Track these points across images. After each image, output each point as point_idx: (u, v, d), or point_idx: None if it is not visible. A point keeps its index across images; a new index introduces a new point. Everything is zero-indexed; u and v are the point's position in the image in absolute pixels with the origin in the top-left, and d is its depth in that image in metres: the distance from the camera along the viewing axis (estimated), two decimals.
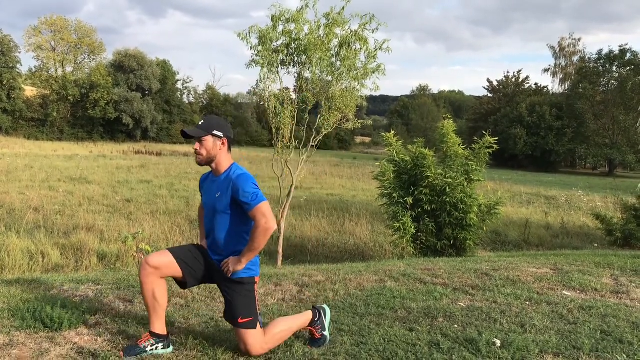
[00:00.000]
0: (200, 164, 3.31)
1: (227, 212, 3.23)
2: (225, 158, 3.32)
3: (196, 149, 3.26)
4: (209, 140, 3.25)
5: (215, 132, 3.25)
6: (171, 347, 3.27)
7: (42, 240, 9.07)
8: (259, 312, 3.32)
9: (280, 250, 8.67)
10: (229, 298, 3.25)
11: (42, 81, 56.90)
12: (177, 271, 3.24)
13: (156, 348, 3.19)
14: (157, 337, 3.21)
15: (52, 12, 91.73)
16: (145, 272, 3.16)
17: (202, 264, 3.33)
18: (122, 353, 3.14)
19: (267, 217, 3.11)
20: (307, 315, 3.49)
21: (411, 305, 4.29)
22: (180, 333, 3.49)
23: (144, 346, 3.17)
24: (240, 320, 3.18)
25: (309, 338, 3.49)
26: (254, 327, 3.19)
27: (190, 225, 11.43)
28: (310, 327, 3.46)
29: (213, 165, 3.32)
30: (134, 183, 18.94)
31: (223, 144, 3.28)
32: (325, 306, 3.62)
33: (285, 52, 8.47)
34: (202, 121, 3.32)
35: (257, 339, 3.19)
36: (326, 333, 3.47)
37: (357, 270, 5.63)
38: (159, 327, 3.23)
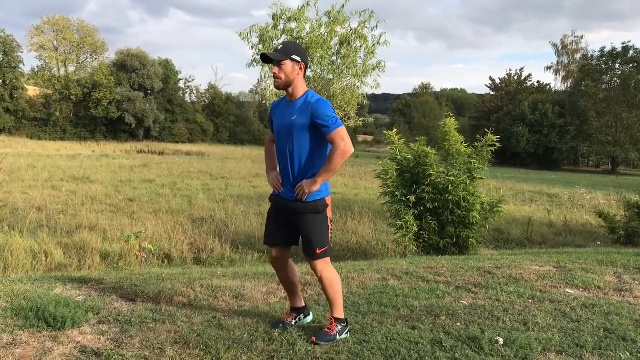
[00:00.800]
0: (278, 87, 3.37)
1: (305, 134, 3.30)
2: (302, 83, 3.40)
3: (275, 73, 3.31)
4: (287, 64, 3.31)
5: (294, 57, 3.32)
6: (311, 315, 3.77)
7: (45, 239, 9.08)
8: (330, 239, 3.48)
9: None
10: (305, 232, 3.38)
11: (45, 81, 56.94)
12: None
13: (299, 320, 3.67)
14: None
15: (54, 12, 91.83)
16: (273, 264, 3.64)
17: (284, 224, 3.50)
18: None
19: (345, 141, 3.23)
20: (341, 309, 3.59)
21: (414, 303, 4.29)
22: (182, 332, 3.50)
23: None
24: (318, 252, 3.38)
25: (317, 329, 3.56)
26: (329, 255, 3.44)
27: (193, 224, 11.44)
28: (333, 318, 3.52)
29: (290, 89, 3.38)
30: (136, 182, 18.95)
31: (301, 68, 3.37)
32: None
33: None
34: (281, 46, 3.38)
35: (326, 265, 3.43)
36: (339, 337, 3.48)
37: (360, 269, 5.63)
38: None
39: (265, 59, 3.37)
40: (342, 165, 3.30)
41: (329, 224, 3.46)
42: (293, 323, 3.65)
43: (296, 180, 3.37)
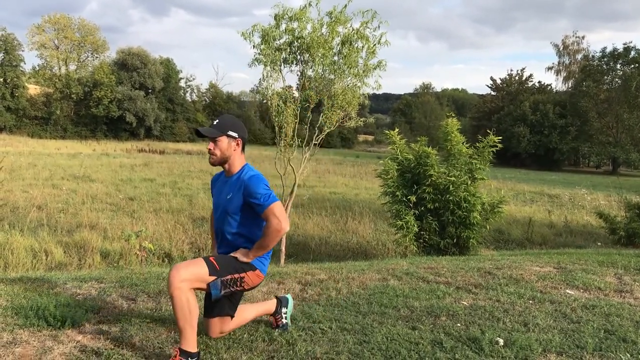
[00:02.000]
0: (213, 164, 3.30)
1: (238, 214, 3.22)
2: (239, 159, 3.31)
3: (210, 149, 3.24)
4: (223, 140, 3.23)
5: (230, 133, 3.24)
6: None
7: (46, 238, 9.09)
8: (226, 282, 3.15)
9: (283, 249, 8.68)
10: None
11: (46, 79, 56.98)
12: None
13: None
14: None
15: (55, 11, 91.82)
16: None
17: None
18: None
19: (279, 218, 3.09)
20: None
21: (414, 303, 4.29)
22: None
23: None
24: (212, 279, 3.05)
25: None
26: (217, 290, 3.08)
27: (194, 224, 11.44)
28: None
29: (226, 165, 3.31)
30: (137, 181, 18.97)
31: (237, 144, 3.28)
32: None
33: (288, 50, 8.47)
34: (217, 121, 3.29)
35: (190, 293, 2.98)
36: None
37: (360, 269, 5.63)
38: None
39: (200, 135, 3.26)
40: (276, 242, 3.17)
41: (241, 293, 3.32)
42: (284, 321, 3.61)
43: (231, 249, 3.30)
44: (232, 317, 3.36)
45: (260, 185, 3.15)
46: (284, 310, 3.65)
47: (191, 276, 2.96)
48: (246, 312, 3.54)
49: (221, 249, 3.36)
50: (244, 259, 3.19)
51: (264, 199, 3.10)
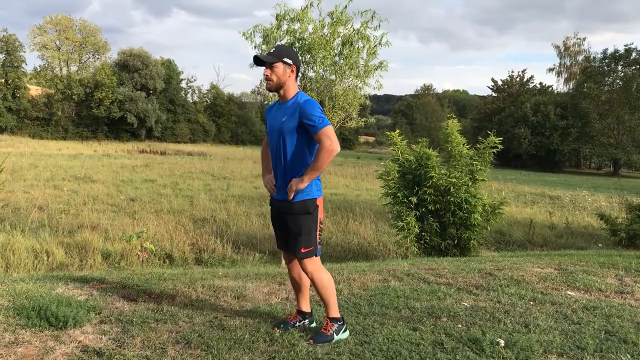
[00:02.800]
0: (270, 89, 3.45)
1: (294, 135, 3.34)
2: (293, 85, 3.45)
3: (267, 75, 3.37)
4: (279, 66, 3.36)
5: (285, 60, 3.37)
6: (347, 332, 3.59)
7: (47, 239, 9.10)
8: (319, 241, 3.48)
9: None
10: (292, 230, 3.40)
11: (47, 80, 57.07)
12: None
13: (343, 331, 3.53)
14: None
15: (57, 12, 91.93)
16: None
17: (283, 227, 3.52)
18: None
19: (331, 140, 3.24)
20: (336, 308, 3.61)
21: (415, 304, 4.29)
22: (184, 332, 3.50)
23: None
24: (302, 250, 3.37)
25: (316, 330, 3.56)
26: (315, 255, 3.41)
27: (195, 225, 11.45)
28: (329, 318, 3.54)
29: (281, 91, 3.44)
30: (138, 182, 18.98)
31: (292, 71, 3.42)
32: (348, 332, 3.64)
33: None
34: (274, 49, 3.43)
35: (315, 266, 3.44)
36: (336, 337, 3.49)
37: (361, 270, 5.63)
38: (305, 305, 3.70)
39: (258, 61, 3.39)
40: (329, 163, 3.32)
41: (319, 225, 3.48)
42: (296, 325, 3.65)
43: (287, 180, 3.41)
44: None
45: (316, 108, 3.29)
46: (307, 322, 3.72)
47: (315, 265, 3.45)
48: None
49: (276, 169, 3.49)
50: (301, 185, 3.32)
51: (319, 120, 3.25)
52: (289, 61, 3.37)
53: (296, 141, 3.35)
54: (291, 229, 3.42)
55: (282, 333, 3.52)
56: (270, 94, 8.67)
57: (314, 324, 3.73)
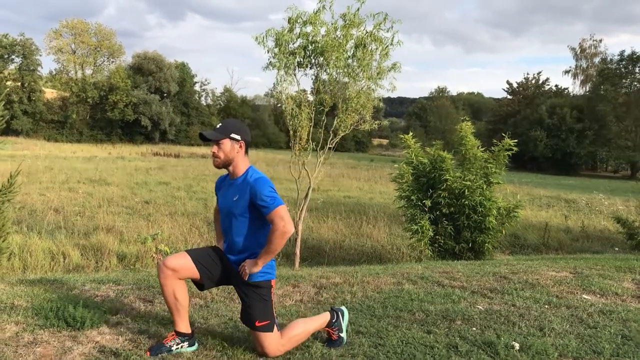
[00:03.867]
0: (217, 166, 3.35)
1: (244, 216, 3.25)
2: (242, 161, 3.34)
3: (214, 152, 3.29)
4: (226, 143, 3.28)
5: (233, 135, 3.28)
6: (196, 345, 3.33)
7: (63, 240, 9.20)
8: (275, 315, 3.35)
9: (298, 252, 8.69)
10: (246, 301, 3.28)
11: (62, 83, 57.76)
12: (195, 273, 3.28)
13: (182, 347, 3.25)
14: (182, 336, 3.27)
15: (72, 16, 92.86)
16: (163, 275, 3.21)
17: (220, 266, 3.36)
18: (148, 352, 3.19)
19: (284, 221, 3.13)
20: (324, 317, 3.52)
21: (429, 307, 4.29)
22: (199, 333, 3.53)
23: (170, 345, 3.23)
24: (257, 324, 3.22)
25: (326, 339, 3.51)
26: (271, 330, 3.23)
27: (209, 227, 11.50)
28: (327, 329, 3.49)
29: (230, 168, 3.35)
30: (152, 185, 19.11)
31: (240, 147, 3.31)
32: (343, 308, 3.65)
33: (303, 54, 8.49)
34: (220, 124, 3.35)
35: (273, 342, 3.23)
36: (343, 335, 3.49)
37: (375, 273, 5.63)
38: (183, 326, 3.29)
39: (204, 138, 3.31)
40: (284, 244, 3.21)
41: (272, 303, 3.35)
42: (174, 348, 3.25)
43: (239, 258, 3.32)
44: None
45: (266, 187, 3.20)
46: (186, 345, 3.33)
47: (273, 340, 3.25)
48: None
49: (229, 250, 3.37)
50: (255, 269, 3.22)
51: (270, 200, 3.15)
52: (237, 137, 3.28)
53: (247, 221, 3.26)
54: (243, 299, 3.31)
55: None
56: (283, 97, 8.70)
57: (194, 347, 3.33)
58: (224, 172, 3.47)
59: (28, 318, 3.61)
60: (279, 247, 3.18)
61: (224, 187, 3.46)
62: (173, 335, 3.27)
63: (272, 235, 3.15)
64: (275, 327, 3.26)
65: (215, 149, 3.28)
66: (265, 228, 3.26)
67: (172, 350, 3.22)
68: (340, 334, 3.49)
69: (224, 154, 3.28)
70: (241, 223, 3.27)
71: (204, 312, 4.00)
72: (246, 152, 3.38)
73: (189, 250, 3.40)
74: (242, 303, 3.33)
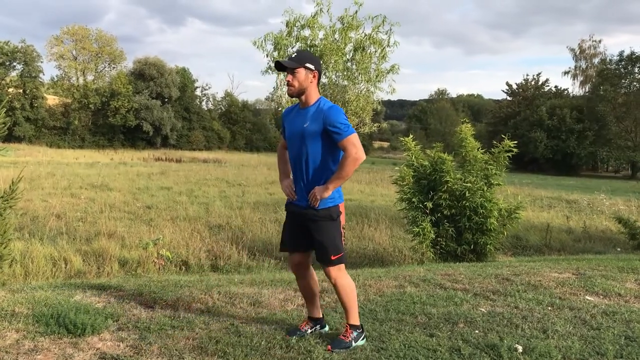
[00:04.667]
0: (291, 95, 3.42)
1: (316, 142, 3.33)
2: (315, 91, 3.43)
3: (289, 81, 3.36)
4: (301, 72, 3.35)
5: (307, 65, 3.36)
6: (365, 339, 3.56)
7: (65, 246, 9.19)
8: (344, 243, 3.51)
9: None
10: (318, 239, 3.39)
11: (64, 90, 57.92)
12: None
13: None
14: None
15: (73, 22, 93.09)
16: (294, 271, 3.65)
17: (301, 232, 3.49)
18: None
19: (357, 147, 3.25)
20: (357, 315, 3.60)
21: (431, 310, 4.27)
22: (201, 338, 3.51)
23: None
24: (332, 258, 3.38)
25: (333, 337, 3.55)
26: (344, 262, 3.44)
27: (210, 231, 11.50)
28: (349, 325, 3.52)
29: (303, 97, 3.42)
30: (154, 190, 19.10)
31: (314, 76, 3.40)
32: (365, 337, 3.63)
33: None
34: (295, 54, 3.44)
35: (340, 272, 3.43)
36: (354, 344, 3.48)
37: (377, 276, 5.62)
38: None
39: (280, 66, 3.39)
40: (354, 171, 3.32)
41: (342, 231, 3.48)
42: (309, 331, 3.64)
43: (309, 187, 3.40)
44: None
45: (341, 115, 3.29)
46: (319, 327, 3.72)
47: (340, 271, 3.44)
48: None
49: (297, 177, 3.46)
50: (325, 194, 3.31)
51: (344, 128, 3.25)
52: (311, 66, 3.35)
53: (319, 147, 3.34)
54: (316, 237, 3.41)
55: (298, 339, 3.52)
56: (284, 101, 8.70)
57: (326, 328, 3.73)
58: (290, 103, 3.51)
59: (29, 325, 3.60)
60: (350, 172, 3.29)
61: (292, 116, 3.52)
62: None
63: (345, 160, 3.25)
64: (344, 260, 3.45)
65: (290, 77, 3.34)
66: (334, 156, 3.35)
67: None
68: (354, 342, 3.47)
69: (298, 83, 3.35)
70: (312, 149, 3.35)
71: (205, 317, 3.99)
72: (318, 82, 3.47)
73: (283, 241, 3.66)
74: (316, 244, 3.42)
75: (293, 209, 3.53)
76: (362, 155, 3.26)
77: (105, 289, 4.73)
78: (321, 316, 3.74)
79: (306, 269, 3.64)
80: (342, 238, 3.47)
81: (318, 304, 3.74)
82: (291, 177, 3.58)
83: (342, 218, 3.50)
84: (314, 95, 3.41)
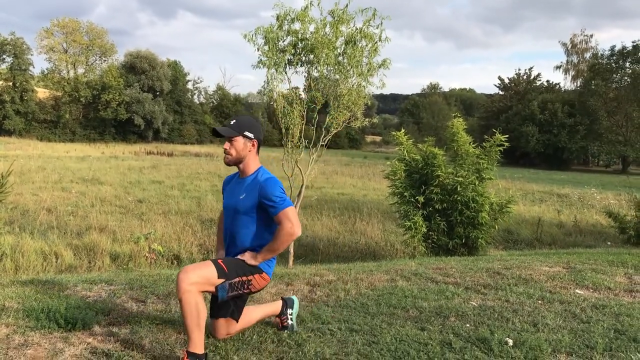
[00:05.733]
0: (228, 164, 3.31)
1: (251, 215, 3.23)
2: (254, 160, 3.32)
3: (226, 149, 3.26)
4: (239, 140, 3.24)
5: (246, 133, 3.25)
6: None
7: (55, 241, 9.15)
8: (234, 286, 3.18)
9: (292, 250, 8.69)
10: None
11: (54, 83, 57.48)
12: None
13: None
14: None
15: (63, 15, 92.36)
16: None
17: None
18: None
19: (292, 222, 3.12)
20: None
21: (423, 304, 4.28)
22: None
23: None
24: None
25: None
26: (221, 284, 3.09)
27: (202, 226, 11.48)
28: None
29: (241, 166, 3.32)
30: (145, 184, 19.04)
31: (253, 145, 3.29)
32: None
33: (292, 51, 8.46)
34: (234, 120, 3.30)
35: (193, 286, 2.98)
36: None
37: (369, 270, 5.63)
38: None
39: (217, 134, 3.26)
40: (286, 246, 3.18)
41: (247, 295, 3.32)
42: (290, 323, 3.61)
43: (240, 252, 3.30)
44: (238, 319, 3.37)
45: (277, 188, 3.17)
46: (289, 311, 3.65)
47: (200, 279, 3.00)
48: (252, 313, 3.54)
49: (230, 251, 3.38)
50: (252, 262, 3.20)
51: (279, 201, 3.13)
52: (250, 135, 3.24)
53: (252, 221, 3.23)
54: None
55: (290, 334, 3.52)
56: (274, 95, 8.67)
57: (295, 304, 3.73)
58: (231, 171, 3.45)
59: (19, 320, 3.57)
60: (282, 247, 3.17)
61: (231, 186, 3.44)
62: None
63: (279, 234, 3.13)
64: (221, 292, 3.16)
65: (227, 145, 3.25)
66: (270, 230, 3.24)
67: None
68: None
69: (235, 152, 3.25)
70: (246, 222, 3.24)
71: None
72: (258, 151, 3.34)
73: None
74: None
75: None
76: (298, 231, 3.13)
77: (96, 283, 4.71)
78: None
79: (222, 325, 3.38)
80: (242, 291, 3.20)
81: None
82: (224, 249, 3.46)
83: (261, 284, 3.31)
84: (252, 165, 3.30)
